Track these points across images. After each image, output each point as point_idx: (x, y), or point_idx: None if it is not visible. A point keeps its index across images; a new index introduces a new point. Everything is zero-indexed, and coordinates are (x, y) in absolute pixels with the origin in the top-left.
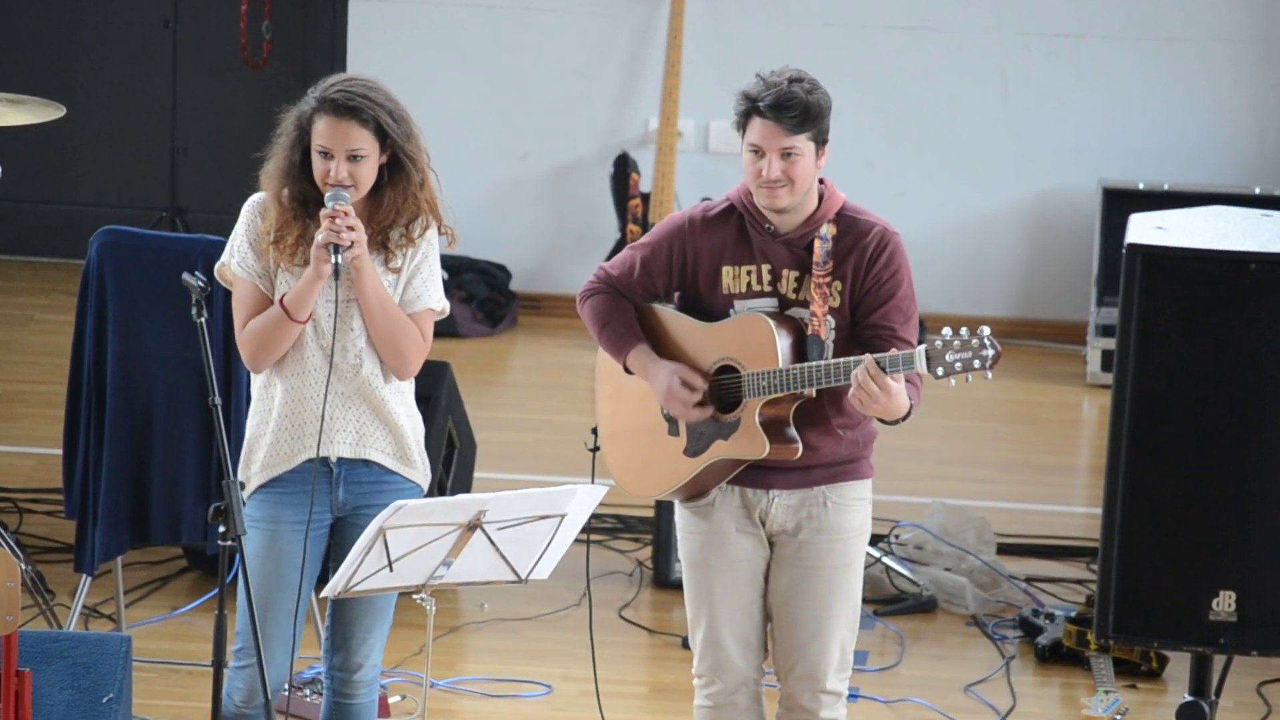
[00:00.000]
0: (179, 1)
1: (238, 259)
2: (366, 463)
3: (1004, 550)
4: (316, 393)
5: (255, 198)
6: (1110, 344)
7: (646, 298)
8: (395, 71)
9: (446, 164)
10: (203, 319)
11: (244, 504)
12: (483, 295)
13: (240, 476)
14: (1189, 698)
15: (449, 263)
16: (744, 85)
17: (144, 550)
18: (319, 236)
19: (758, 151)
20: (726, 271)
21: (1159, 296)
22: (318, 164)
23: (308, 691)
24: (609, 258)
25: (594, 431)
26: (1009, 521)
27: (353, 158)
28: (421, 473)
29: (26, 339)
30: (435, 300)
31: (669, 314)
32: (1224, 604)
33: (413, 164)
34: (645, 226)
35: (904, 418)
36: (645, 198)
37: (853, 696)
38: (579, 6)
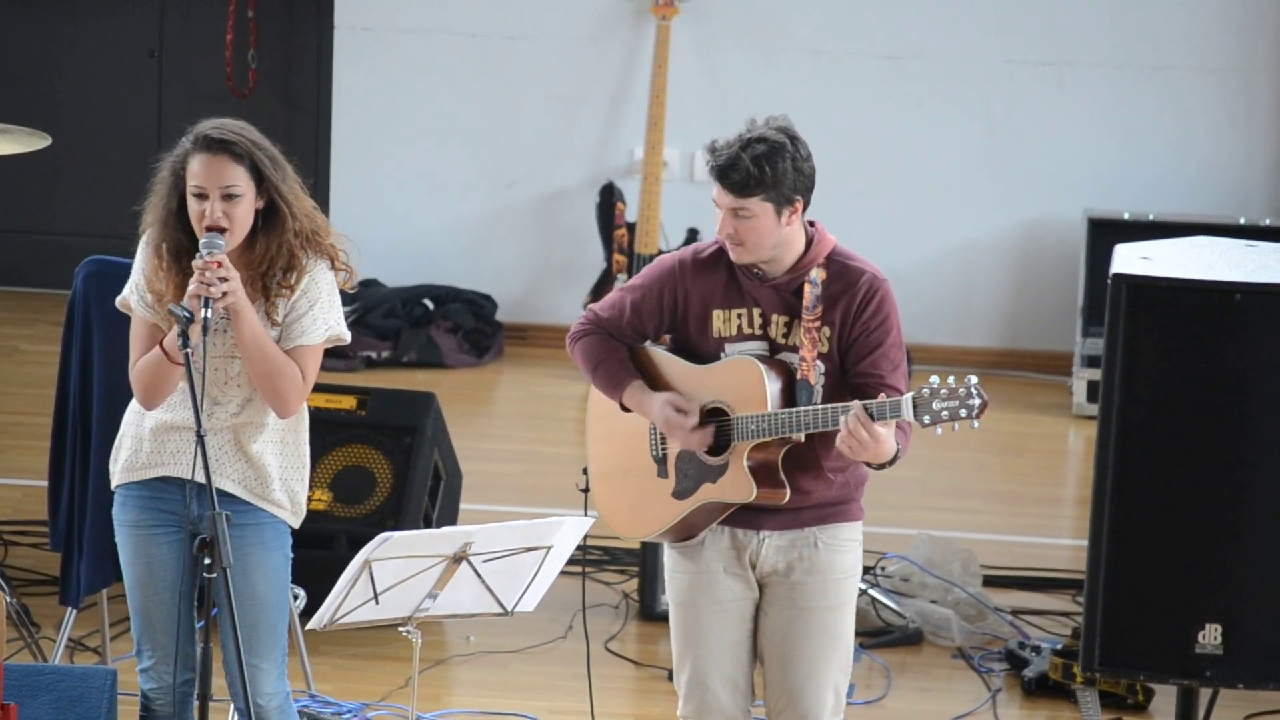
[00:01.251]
0: (164, 30)
1: (137, 296)
2: (219, 491)
3: (990, 582)
4: (187, 423)
5: (146, 236)
6: (1096, 375)
7: (636, 339)
8: (381, 100)
9: (432, 193)
10: (188, 350)
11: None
12: (469, 326)
13: (110, 469)
14: None
15: (436, 293)
16: (727, 130)
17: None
18: (191, 286)
19: (718, 206)
20: (717, 315)
21: (1144, 327)
22: (193, 206)
23: None
24: (595, 287)
25: (585, 472)
26: (995, 553)
27: (227, 196)
28: (289, 511)
29: (12, 370)
30: (313, 336)
31: (660, 355)
32: (1210, 636)
33: (288, 209)
34: (631, 257)
35: (891, 462)
36: (631, 227)
37: None
38: (564, 34)
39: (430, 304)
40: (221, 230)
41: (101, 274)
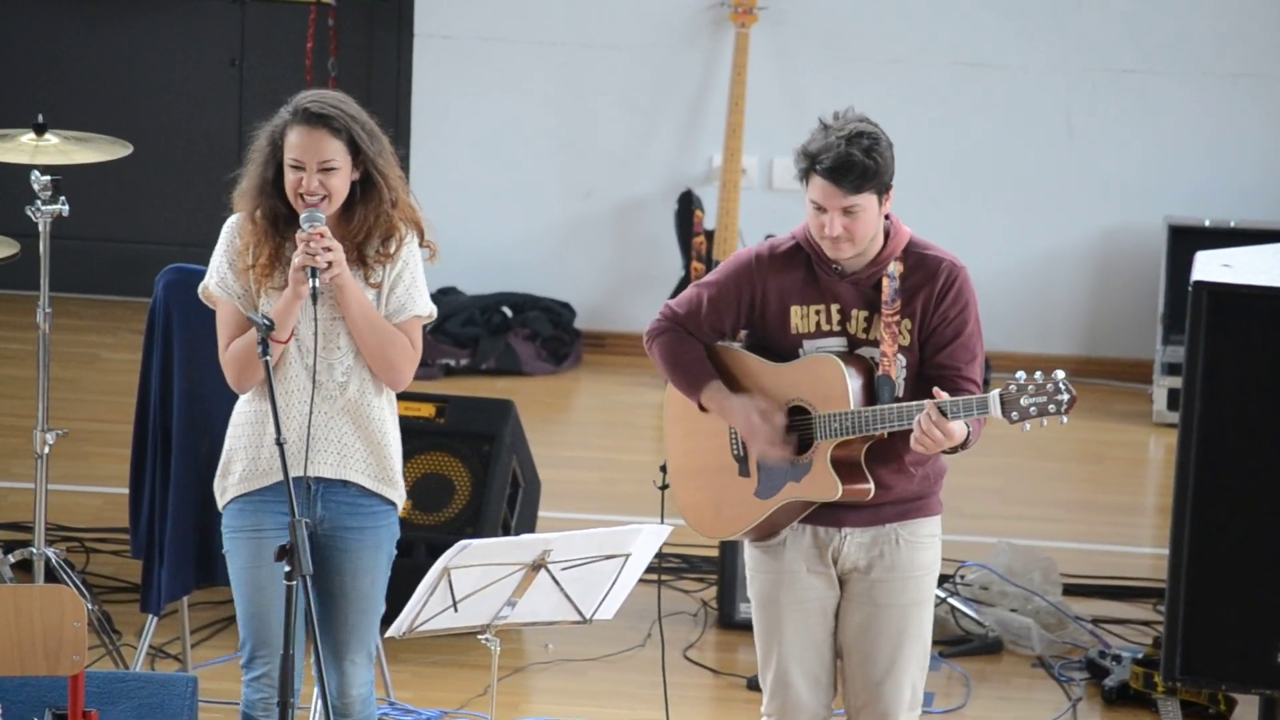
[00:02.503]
0: (245, 39)
1: (217, 279)
2: (345, 483)
3: (1070, 591)
4: (300, 411)
5: (233, 219)
6: (1176, 382)
7: (713, 336)
8: (459, 109)
9: (510, 202)
10: (268, 358)
11: (221, 514)
12: (547, 333)
13: (216, 489)
14: None
15: (514, 301)
16: (805, 136)
17: (209, 590)
18: (295, 259)
19: (820, 208)
20: (795, 311)
21: (1225, 334)
22: (290, 177)
23: None
24: (673, 295)
25: (662, 469)
26: (1075, 562)
27: (325, 169)
28: (399, 493)
29: (93, 378)
30: (421, 307)
31: (738, 353)
32: None
33: (384, 181)
34: (709, 264)
35: (961, 447)
36: (709, 235)
37: None
38: (643, 43)
39: (509, 312)
40: (320, 201)
41: (182, 282)
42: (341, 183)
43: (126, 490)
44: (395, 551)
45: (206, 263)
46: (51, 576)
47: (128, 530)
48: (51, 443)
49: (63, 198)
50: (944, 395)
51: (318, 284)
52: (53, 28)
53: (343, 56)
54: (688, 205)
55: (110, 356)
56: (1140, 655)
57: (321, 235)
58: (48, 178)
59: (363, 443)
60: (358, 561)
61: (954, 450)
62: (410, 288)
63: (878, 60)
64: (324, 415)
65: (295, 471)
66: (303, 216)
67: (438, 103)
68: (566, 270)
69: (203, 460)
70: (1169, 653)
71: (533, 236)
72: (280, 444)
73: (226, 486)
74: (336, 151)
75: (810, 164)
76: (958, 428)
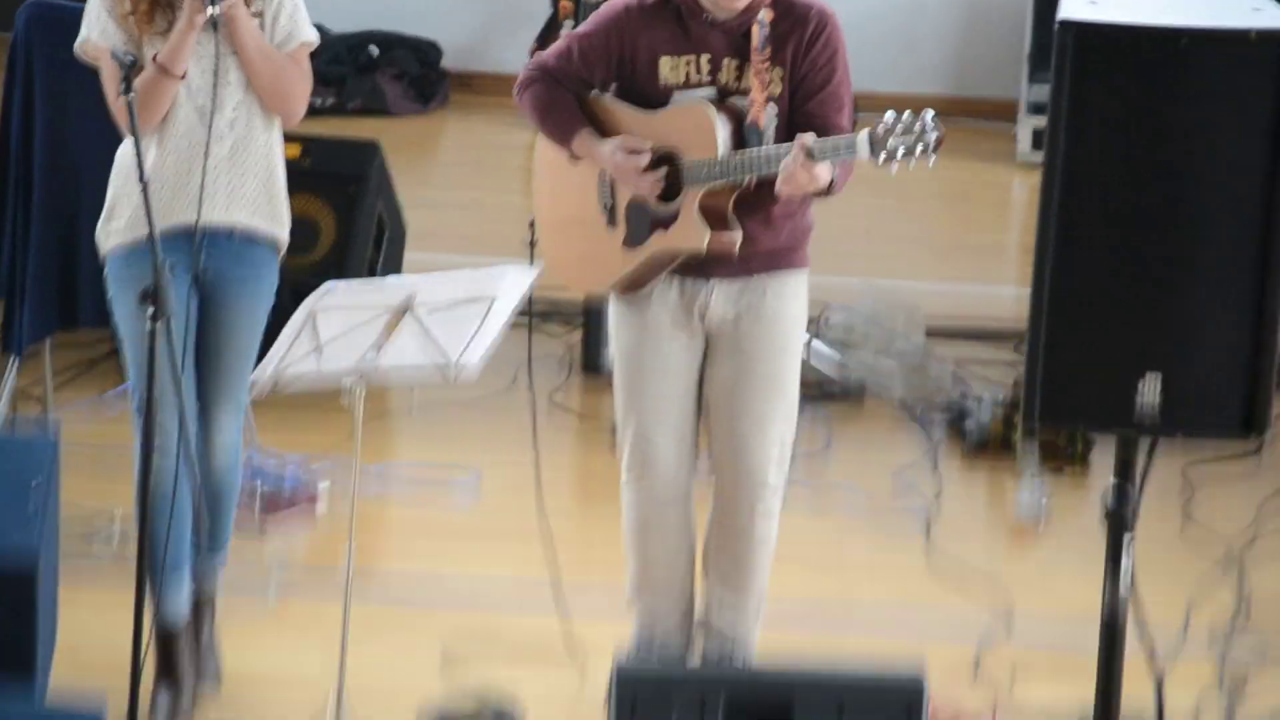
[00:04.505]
0: None
1: (98, 31)
2: (230, 231)
3: (933, 333)
4: (188, 155)
5: None
6: (1041, 122)
7: (584, 88)
8: None
9: None
10: (131, 95)
11: (104, 263)
12: (414, 73)
13: (99, 235)
14: (1114, 481)
15: (381, 39)
16: None
17: (72, 333)
18: None
19: None
20: (665, 62)
21: (1090, 73)
22: None
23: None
24: (541, 34)
25: (531, 225)
26: (939, 303)
27: None
28: (286, 232)
29: None
30: (308, 34)
31: (609, 103)
32: (1150, 387)
33: None
34: (578, 4)
35: (826, 193)
36: None
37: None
38: None
39: (375, 50)
40: None
41: (43, 18)
42: None
43: None
44: (273, 301)
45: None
46: None
47: None
48: None
49: None
50: (811, 137)
51: (218, 11)
52: None
53: None
54: None
55: None
56: (1001, 398)
57: None
58: None
59: (253, 180)
60: (238, 313)
61: (820, 195)
62: (294, 14)
63: None
64: (212, 157)
65: (190, 218)
66: None
67: None
68: (434, 8)
69: (66, 199)
70: (1029, 395)
71: None
72: (144, 183)
73: (110, 232)
74: None
75: None
76: (823, 170)
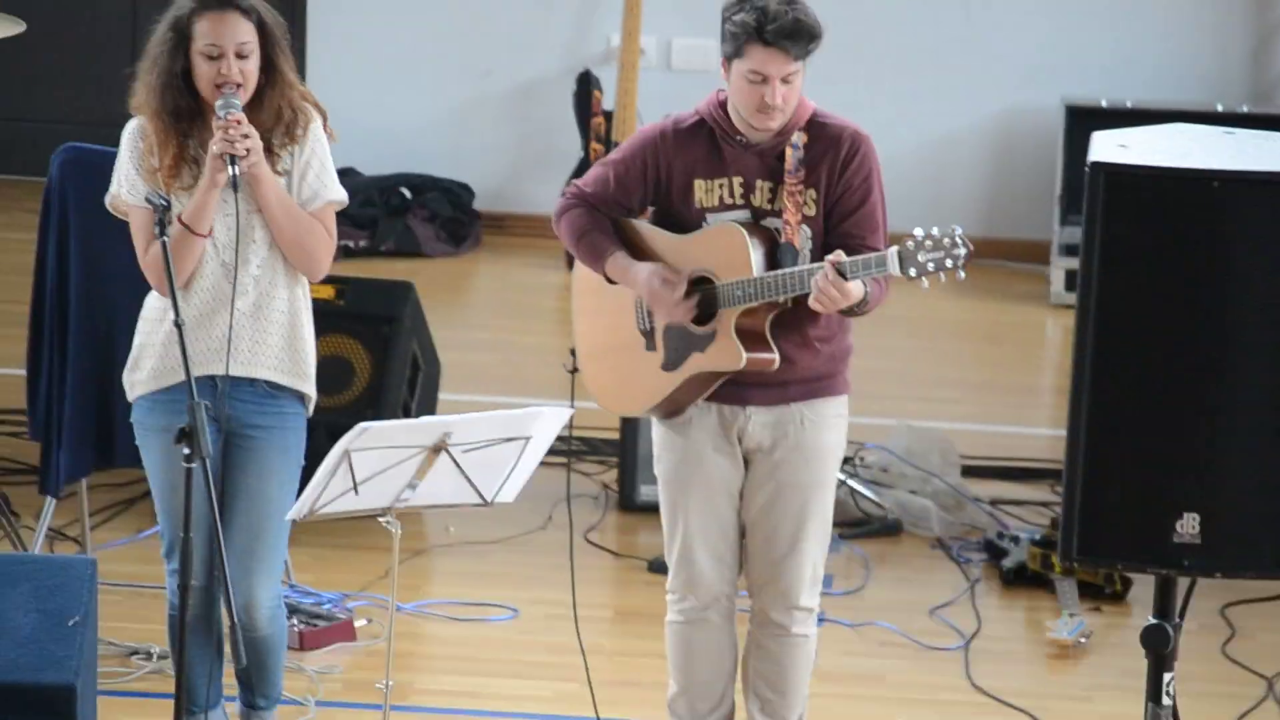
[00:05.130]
0: None
1: (127, 187)
2: (253, 381)
3: (968, 472)
4: (213, 308)
5: (133, 123)
6: (1074, 263)
7: (620, 213)
8: None
9: (408, 82)
10: (165, 238)
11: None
12: (446, 215)
13: (125, 383)
14: (1153, 620)
15: (413, 182)
16: (731, 7)
17: (109, 473)
18: (213, 148)
19: (760, 78)
20: (699, 185)
21: (1122, 215)
22: (204, 68)
23: (295, 620)
24: (573, 177)
25: (572, 353)
26: (973, 443)
27: (240, 54)
28: (311, 386)
29: None
30: (334, 193)
31: (644, 228)
32: (1188, 526)
33: (285, 62)
34: (608, 144)
35: (859, 308)
36: (608, 115)
37: (818, 620)
38: None
39: (407, 193)
40: (236, 88)
41: (78, 161)
42: (255, 68)
43: (23, 372)
44: (305, 461)
45: (102, 142)
46: None
47: (25, 412)
48: None
49: None
50: (841, 254)
51: (237, 172)
52: None
53: None
54: (586, 86)
55: (5, 236)
56: (1038, 536)
57: (239, 121)
58: None
59: (276, 336)
60: (264, 462)
61: (851, 312)
62: (320, 173)
63: None
64: (237, 312)
65: (217, 370)
66: (218, 104)
67: None
68: (465, 151)
69: (101, 340)
70: (1066, 533)
71: (431, 117)
72: (179, 325)
73: (135, 382)
74: (249, 33)
75: (755, 32)
76: (854, 287)
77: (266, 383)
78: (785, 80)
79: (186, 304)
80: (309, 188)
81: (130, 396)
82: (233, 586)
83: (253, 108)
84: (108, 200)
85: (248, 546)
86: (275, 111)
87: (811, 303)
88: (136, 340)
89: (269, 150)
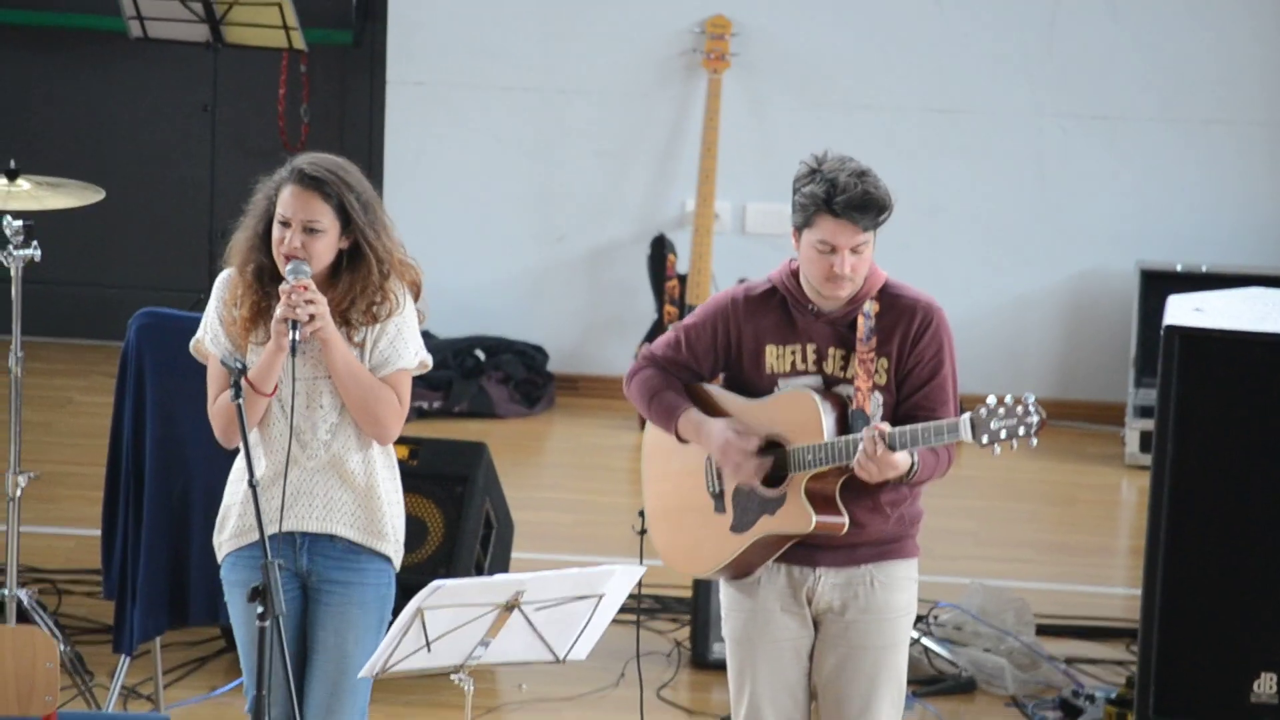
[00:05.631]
0: (218, 85)
1: (210, 335)
2: (332, 537)
3: (1043, 631)
4: (284, 468)
5: (224, 273)
6: (1149, 425)
7: (691, 377)
8: (431, 154)
9: (483, 247)
10: (240, 400)
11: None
12: (520, 376)
13: (214, 543)
14: None
15: (487, 344)
16: (777, 181)
17: (182, 630)
18: (277, 311)
19: (829, 248)
20: (770, 351)
21: (1197, 378)
22: (275, 233)
23: None
24: (646, 339)
25: (641, 514)
26: (1048, 603)
27: (309, 230)
28: (393, 545)
29: (66, 421)
30: (407, 360)
31: (715, 391)
32: (1265, 685)
33: (374, 253)
34: (682, 308)
35: (907, 477)
36: (682, 279)
37: None
38: (615, 89)
39: (482, 355)
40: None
41: (154, 325)
42: (325, 247)
43: (98, 532)
44: (389, 616)
45: (178, 307)
46: (24, 618)
47: (100, 572)
48: (24, 485)
49: (35, 242)
50: (886, 426)
51: (297, 336)
52: (26, 72)
53: (315, 102)
54: (660, 249)
55: (82, 399)
56: (1113, 695)
57: (305, 288)
58: (20, 223)
59: (350, 496)
60: (342, 618)
61: (903, 482)
62: (395, 340)
63: (849, 106)
64: (308, 472)
65: (274, 528)
66: (287, 269)
67: (410, 148)
68: (539, 314)
69: (175, 501)
70: (1142, 692)
71: (506, 280)
72: (253, 485)
73: (222, 541)
74: (323, 214)
75: (825, 204)
76: (901, 458)
77: (345, 540)
78: (854, 250)
79: (265, 462)
80: (380, 354)
81: (219, 556)
82: None
83: (330, 283)
84: (191, 344)
85: (325, 703)
86: (350, 295)
87: (855, 468)
88: (224, 501)
89: (347, 323)
